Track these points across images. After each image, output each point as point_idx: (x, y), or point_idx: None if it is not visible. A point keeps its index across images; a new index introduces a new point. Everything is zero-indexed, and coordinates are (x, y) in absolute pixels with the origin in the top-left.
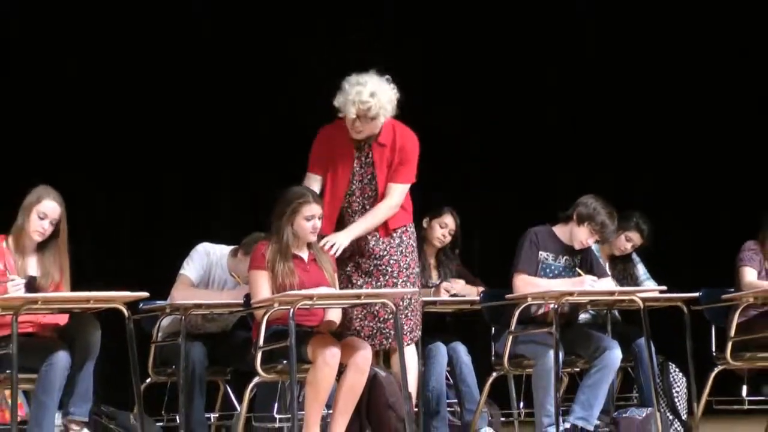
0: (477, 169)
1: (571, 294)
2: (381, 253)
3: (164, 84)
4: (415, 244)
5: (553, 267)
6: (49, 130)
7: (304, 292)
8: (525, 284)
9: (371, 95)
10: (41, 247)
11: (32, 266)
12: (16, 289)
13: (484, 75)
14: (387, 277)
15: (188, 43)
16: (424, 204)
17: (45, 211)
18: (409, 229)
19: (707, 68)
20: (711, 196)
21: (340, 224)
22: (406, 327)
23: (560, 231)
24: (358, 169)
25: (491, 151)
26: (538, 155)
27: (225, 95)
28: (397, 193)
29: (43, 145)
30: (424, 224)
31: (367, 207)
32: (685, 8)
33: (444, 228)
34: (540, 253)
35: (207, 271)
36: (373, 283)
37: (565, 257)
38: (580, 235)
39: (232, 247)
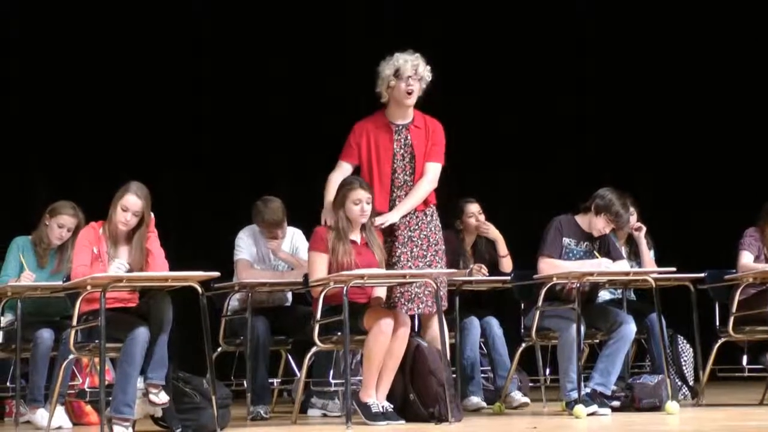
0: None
1: (591, 274)
2: (414, 227)
3: (163, 83)
4: (440, 226)
5: (575, 251)
6: (46, 128)
7: (356, 272)
8: (549, 266)
9: (416, 57)
10: (131, 235)
11: (123, 253)
12: (117, 269)
13: (483, 73)
14: (418, 249)
15: (188, 43)
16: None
17: (127, 204)
18: (435, 210)
19: (706, 65)
20: (717, 188)
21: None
22: (442, 295)
23: (581, 220)
24: (398, 150)
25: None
26: (542, 150)
27: (224, 95)
28: (434, 171)
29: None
30: (460, 225)
31: (408, 182)
32: (683, 8)
33: (472, 216)
34: (563, 239)
35: (254, 249)
36: (408, 252)
37: (585, 243)
38: (598, 224)
39: (253, 225)
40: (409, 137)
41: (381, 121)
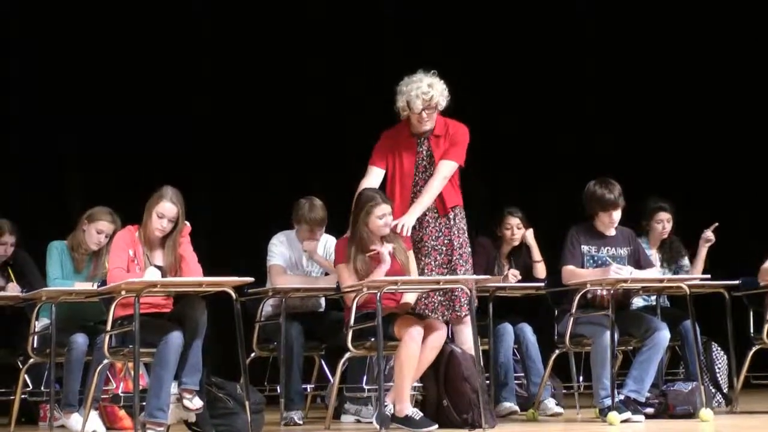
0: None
1: (624, 281)
2: (437, 234)
3: (167, 83)
4: (465, 226)
5: (596, 258)
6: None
7: (389, 278)
8: (568, 275)
9: (429, 86)
10: (165, 240)
11: (158, 257)
12: (150, 275)
13: (483, 73)
14: (443, 255)
15: (188, 43)
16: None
17: (163, 211)
18: (461, 212)
19: (713, 63)
20: (752, 195)
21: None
22: (463, 299)
23: (598, 224)
24: (420, 161)
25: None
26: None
27: (224, 95)
28: (445, 168)
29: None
30: (498, 233)
31: None
32: (683, 8)
33: (509, 229)
34: (582, 247)
35: (287, 255)
36: (432, 262)
37: (607, 247)
38: (604, 221)
39: (287, 231)
40: (430, 147)
41: (404, 133)
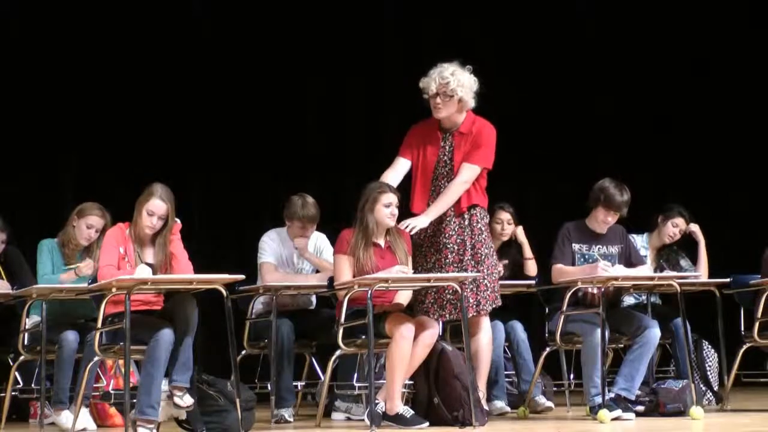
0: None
1: (615, 279)
2: (450, 233)
3: (164, 83)
4: (484, 228)
5: (587, 256)
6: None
7: (380, 275)
8: (558, 273)
9: (451, 74)
10: (156, 237)
11: (149, 255)
12: (141, 272)
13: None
14: (453, 254)
15: (188, 43)
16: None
17: (153, 209)
18: (480, 212)
19: (710, 63)
20: (744, 192)
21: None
22: (471, 300)
23: (591, 222)
24: (443, 156)
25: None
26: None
27: (224, 95)
28: (466, 172)
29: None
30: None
31: None
32: (683, 8)
33: (500, 224)
34: (574, 245)
35: (278, 252)
36: (442, 260)
37: (598, 246)
38: (599, 217)
39: (279, 228)
40: (453, 144)
41: (431, 127)
